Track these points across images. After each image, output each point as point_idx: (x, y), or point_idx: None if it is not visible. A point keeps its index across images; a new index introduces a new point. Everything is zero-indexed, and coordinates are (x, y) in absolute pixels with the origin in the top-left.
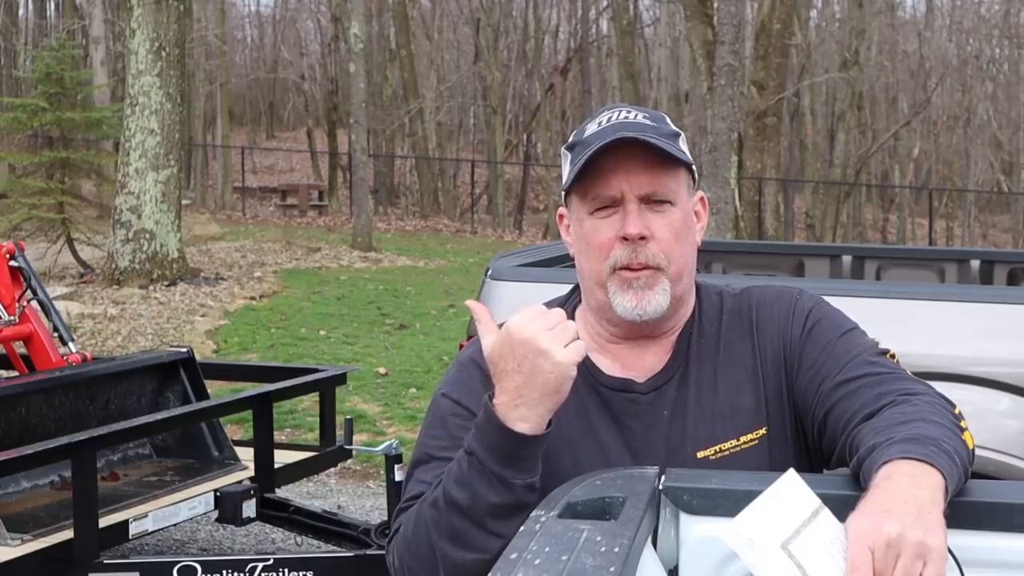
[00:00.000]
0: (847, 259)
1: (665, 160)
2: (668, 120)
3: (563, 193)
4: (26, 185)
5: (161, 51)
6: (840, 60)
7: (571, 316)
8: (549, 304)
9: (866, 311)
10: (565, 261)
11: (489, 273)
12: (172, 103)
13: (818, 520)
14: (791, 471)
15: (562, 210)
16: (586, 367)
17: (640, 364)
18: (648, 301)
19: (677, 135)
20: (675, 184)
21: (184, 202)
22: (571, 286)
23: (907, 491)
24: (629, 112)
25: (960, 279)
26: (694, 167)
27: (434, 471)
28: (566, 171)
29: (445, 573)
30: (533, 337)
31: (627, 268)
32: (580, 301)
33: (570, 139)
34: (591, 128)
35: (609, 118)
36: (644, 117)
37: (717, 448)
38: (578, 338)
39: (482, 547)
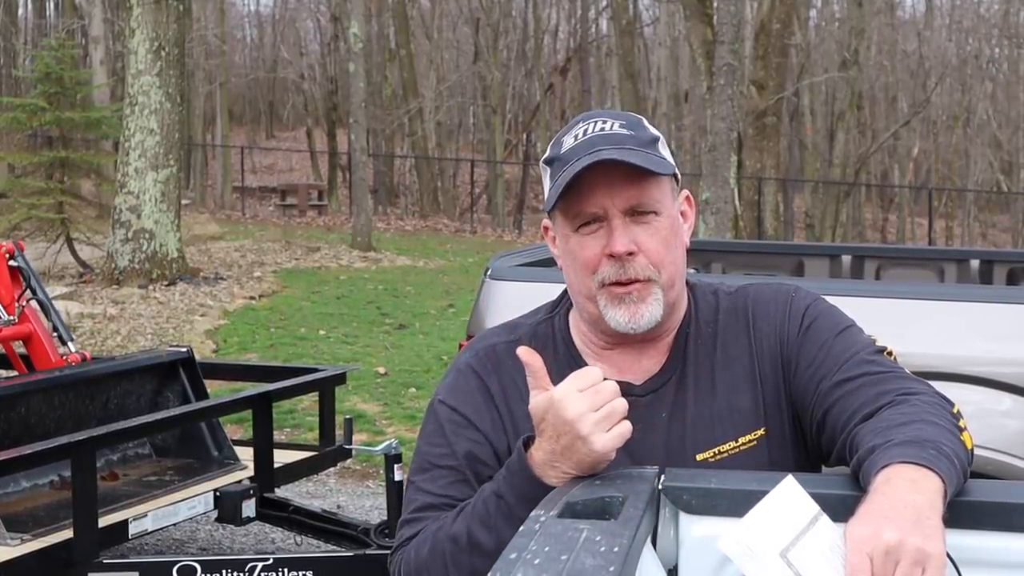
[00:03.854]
0: (847, 259)
1: (646, 170)
2: (645, 123)
3: (545, 210)
4: (26, 185)
5: (161, 51)
6: (840, 60)
7: (564, 321)
8: (540, 308)
9: (866, 311)
10: None
11: (488, 273)
12: (172, 103)
13: (817, 527)
14: (789, 477)
15: (546, 222)
16: None
17: (637, 367)
18: (641, 314)
19: (656, 140)
20: (659, 193)
21: (184, 202)
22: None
23: (906, 497)
24: (605, 122)
25: (960, 279)
26: (677, 171)
27: (437, 480)
28: (547, 186)
29: None
30: (575, 420)
31: (616, 283)
32: (572, 305)
33: (548, 152)
34: (568, 142)
35: (585, 131)
36: (621, 126)
37: (716, 450)
38: (625, 418)
39: None
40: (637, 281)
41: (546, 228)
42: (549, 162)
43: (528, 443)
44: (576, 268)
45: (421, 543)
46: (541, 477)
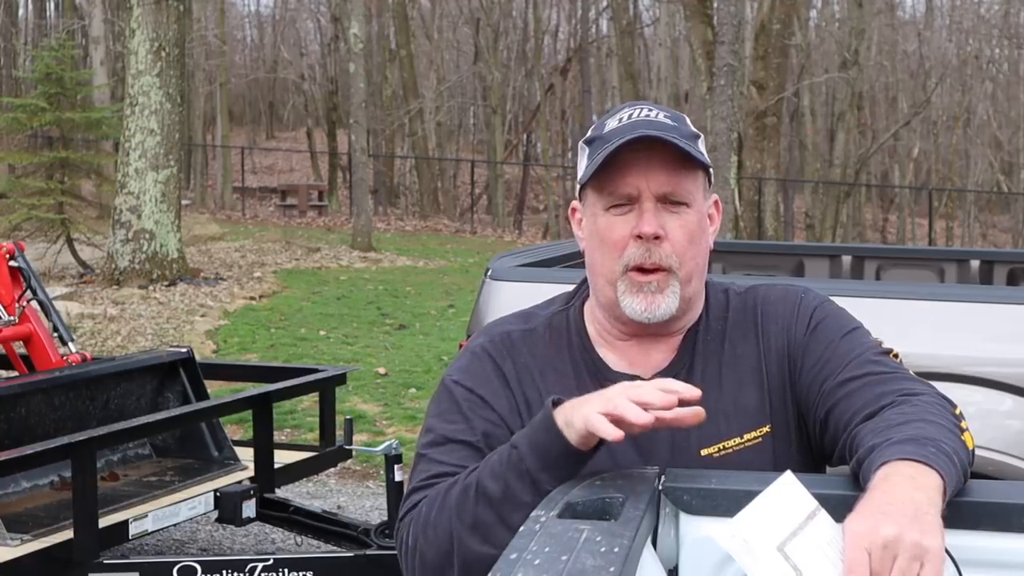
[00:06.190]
0: (847, 259)
1: (685, 161)
2: (688, 121)
3: (578, 187)
4: (26, 185)
5: (161, 51)
6: (840, 60)
7: (579, 312)
8: (556, 299)
9: (866, 311)
10: (565, 261)
11: (489, 273)
12: (172, 103)
13: (815, 522)
14: (788, 472)
15: (575, 204)
16: (593, 361)
17: (647, 361)
18: (658, 305)
19: (697, 137)
20: (693, 186)
21: (184, 202)
22: (571, 287)
23: (905, 493)
24: (651, 111)
25: (960, 279)
26: (711, 170)
27: (453, 453)
28: (583, 165)
29: (459, 563)
30: (617, 391)
31: (640, 268)
32: (588, 295)
33: (588, 134)
34: (611, 124)
35: (630, 115)
36: (665, 116)
37: (721, 445)
38: (628, 431)
39: (500, 543)
40: (660, 269)
41: (574, 210)
42: (589, 142)
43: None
44: (602, 249)
45: (432, 500)
46: (560, 427)
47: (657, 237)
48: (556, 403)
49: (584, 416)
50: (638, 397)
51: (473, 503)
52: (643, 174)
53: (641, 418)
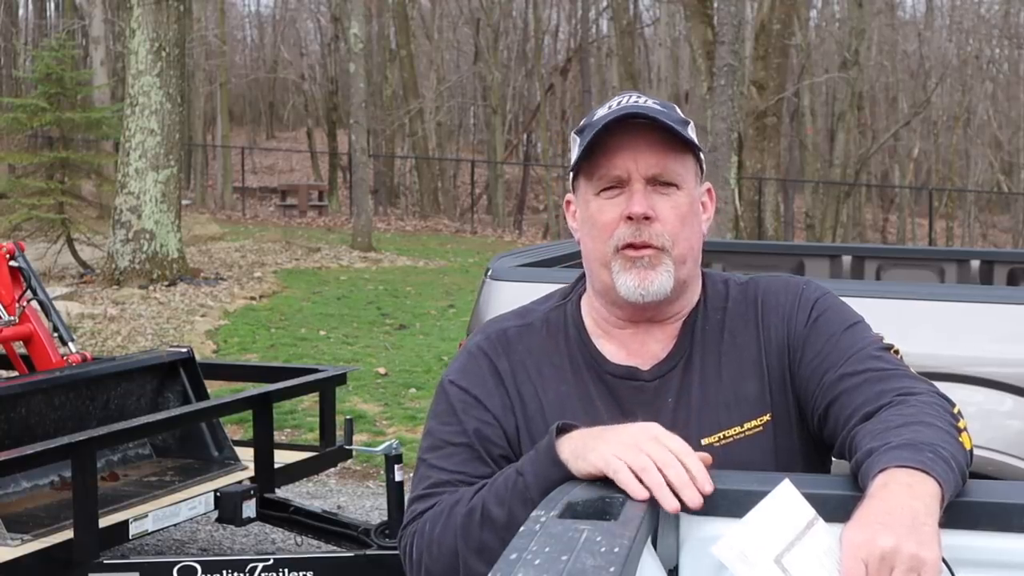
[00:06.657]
0: (847, 259)
1: (673, 143)
2: (677, 109)
3: (571, 177)
4: (26, 185)
5: (161, 51)
6: (840, 60)
7: (576, 306)
8: (553, 294)
9: (867, 311)
10: (565, 261)
11: (489, 273)
12: (172, 103)
13: (813, 531)
14: (786, 481)
15: (569, 196)
16: (591, 354)
17: (645, 351)
18: (651, 281)
19: (686, 123)
20: (682, 168)
21: (184, 202)
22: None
23: (902, 501)
24: (639, 97)
25: (960, 279)
26: (702, 156)
27: (451, 458)
28: (575, 154)
29: None
30: (638, 438)
31: (631, 246)
32: (585, 289)
33: (580, 124)
34: (601, 112)
35: (620, 102)
36: (654, 103)
37: (721, 435)
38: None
39: None
40: (651, 246)
41: (568, 202)
42: (580, 130)
43: (565, 432)
44: (594, 233)
45: (437, 516)
46: (559, 452)
47: (647, 217)
48: (561, 428)
49: (604, 459)
50: (659, 460)
51: (478, 528)
52: (631, 156)
53: (672, 506)
